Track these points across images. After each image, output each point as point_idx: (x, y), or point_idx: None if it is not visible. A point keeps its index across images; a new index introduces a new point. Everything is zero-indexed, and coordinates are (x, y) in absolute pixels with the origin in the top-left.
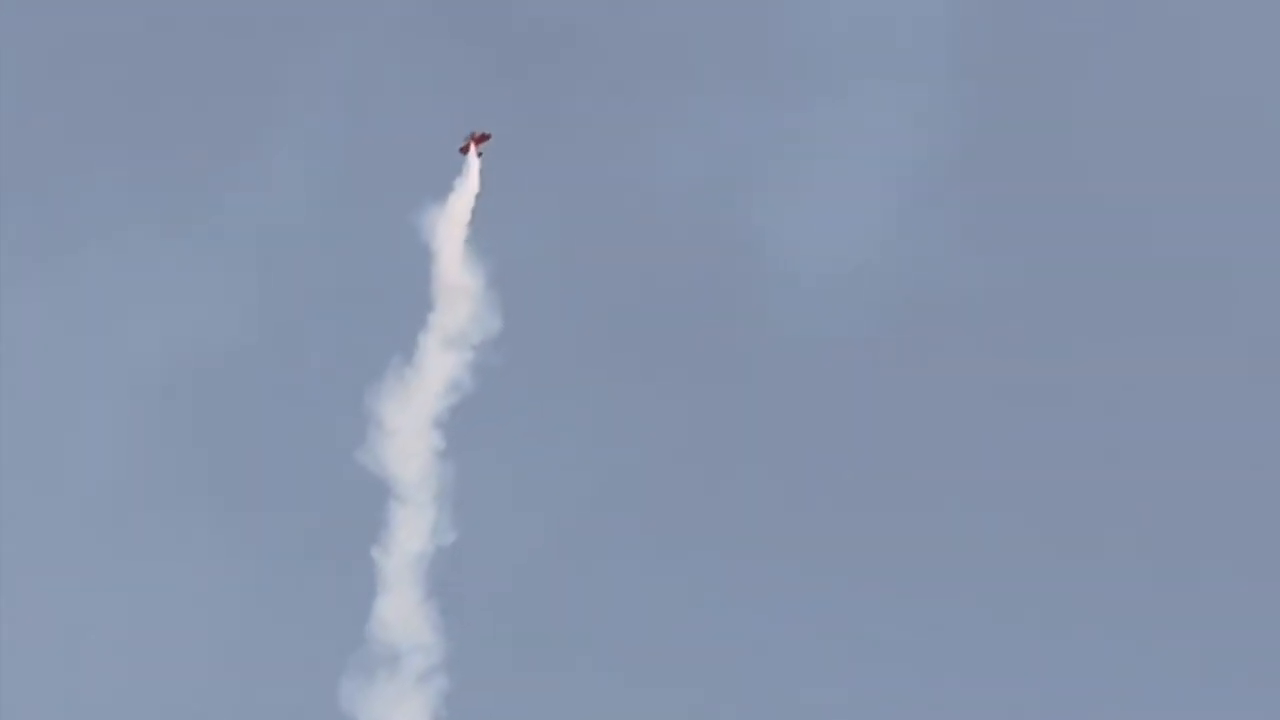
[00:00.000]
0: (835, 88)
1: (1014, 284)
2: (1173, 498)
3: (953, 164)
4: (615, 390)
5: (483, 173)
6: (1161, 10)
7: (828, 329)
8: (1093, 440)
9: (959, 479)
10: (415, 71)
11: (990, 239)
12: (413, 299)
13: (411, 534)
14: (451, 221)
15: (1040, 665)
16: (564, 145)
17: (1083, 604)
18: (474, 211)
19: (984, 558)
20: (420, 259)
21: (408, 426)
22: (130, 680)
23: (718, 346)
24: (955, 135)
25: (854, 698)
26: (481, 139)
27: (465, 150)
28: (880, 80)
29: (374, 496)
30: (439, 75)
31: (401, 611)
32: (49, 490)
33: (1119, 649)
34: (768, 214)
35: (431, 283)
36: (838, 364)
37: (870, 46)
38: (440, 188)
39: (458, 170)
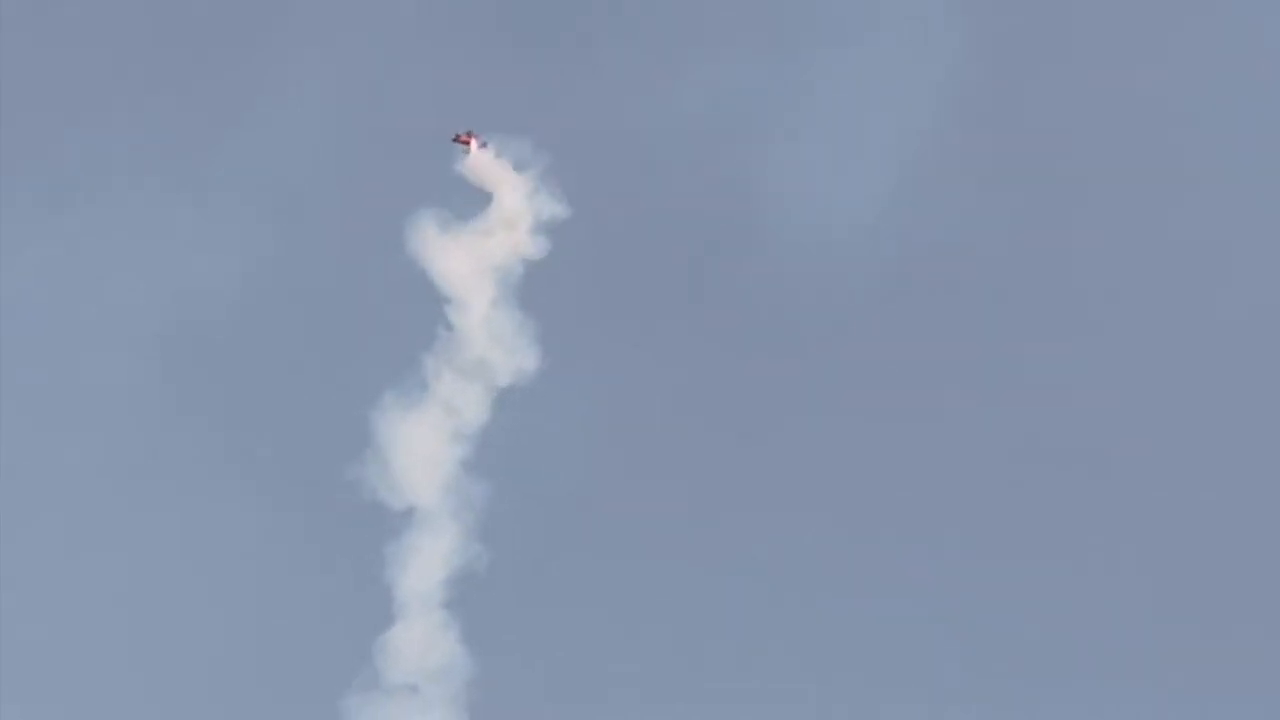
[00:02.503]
0: (844, 38)
1: (1023, 238)
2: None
3: (963, 116)
4: (629, 365)
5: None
6: None
7: (835, 282)
8: (1096, 396)
9: (964, 433)
10: (428, 22)
11: (999, 193)
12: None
13: (430, 553)
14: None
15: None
16: (570, 95)
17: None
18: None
19: (997, 523)
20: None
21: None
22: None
23: (724, 302)
24: (965, 88)
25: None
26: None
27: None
28: (890, 31)
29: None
30: (448, 27)
31: (421, 631)
32: (37, 469)
33: (1114, 640)
34: (775, 165)
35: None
36: (843, 317)
37: None
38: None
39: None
